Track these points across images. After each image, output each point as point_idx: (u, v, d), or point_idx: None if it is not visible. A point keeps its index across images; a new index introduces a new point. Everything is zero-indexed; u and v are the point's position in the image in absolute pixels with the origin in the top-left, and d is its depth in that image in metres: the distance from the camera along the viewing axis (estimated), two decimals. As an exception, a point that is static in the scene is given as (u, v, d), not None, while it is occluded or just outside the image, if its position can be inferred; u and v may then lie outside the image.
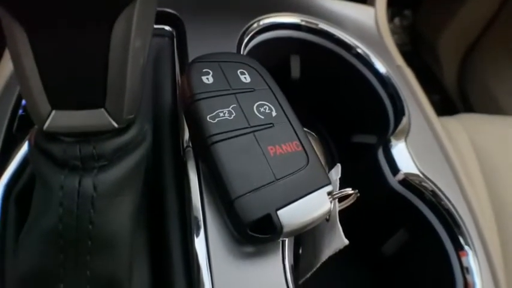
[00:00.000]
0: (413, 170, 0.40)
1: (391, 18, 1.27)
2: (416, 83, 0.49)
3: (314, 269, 0.34)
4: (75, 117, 0.21)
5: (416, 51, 1.27)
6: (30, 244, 0.22)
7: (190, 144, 0.32)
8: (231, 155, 0.27)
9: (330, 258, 0.32)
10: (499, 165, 0.62)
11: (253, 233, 0.26)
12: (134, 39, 0.19)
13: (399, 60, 0.50)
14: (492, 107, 1.05)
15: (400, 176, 0.40)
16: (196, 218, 0.29)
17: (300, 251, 0.38)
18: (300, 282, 0.36)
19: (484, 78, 1.11)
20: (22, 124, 0.35)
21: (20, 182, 0.32)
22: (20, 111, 0.36)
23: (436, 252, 0.39)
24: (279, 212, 0.26)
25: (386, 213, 0.44)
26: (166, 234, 0.29)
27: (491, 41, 1.09)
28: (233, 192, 0.26)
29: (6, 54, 0.39)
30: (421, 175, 0.40)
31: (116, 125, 0.21)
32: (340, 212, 0.31)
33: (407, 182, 0.40)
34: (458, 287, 0.37)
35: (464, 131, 0.65)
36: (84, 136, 0.22)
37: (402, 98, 0.44)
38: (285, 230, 0.26)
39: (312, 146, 0.30)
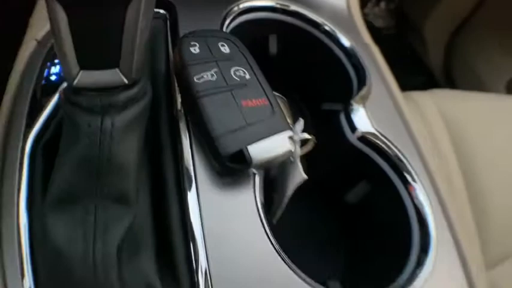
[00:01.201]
0: (371, 129, 0.45)
1: (377, 2, 1.27)
2: (382, 59, 0.52)
3: (283, 205, 0.41)
4: (97, 75, 0.27)
5: (402, 34, 1.26)
6: (63, 167, 0.29)
7: (181, 109, 0.39)
8: (213, 106, 0.35)
9: (300, 207, 0.38)
10: (468, 135, 0.64)
11: (230, 164, 0.34)
12: (141, 20, 0.25)
13: (367, 38, 0.53)
14: (478, 89, 1.01)
15: (358, 134, 0.45)
16: (187, 159, 0.36)
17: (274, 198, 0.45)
18: (274, 221, 0.42)
19: (470, 60, 1.11)
20: (45, 92, 0.41)
21: (46, 135, 0.37)
22: (43, 82, 0.41)
23: (392, 196, 0.44)
24: (249, 147, 0.33)
25: (349, 166, 0.49)
26: (163, 169, 0.36)
27: (477, 23, 1.08)
28: (214, 132, 0.34)
29: (29, 35, 0.46)
30: (377, 134, 0.45)
31: (126, 81, 0.27)
32: (308, 165, 0.38)
33: (365, 138, 0.44)
34: (412, 221, 0.42)
35: (435, 104, 0.67)
36: (103, 90, 0.27)
37: (365, 68, 0.48)
38: (254, 162, 0.34)
39: (278, 102, 0.37)
